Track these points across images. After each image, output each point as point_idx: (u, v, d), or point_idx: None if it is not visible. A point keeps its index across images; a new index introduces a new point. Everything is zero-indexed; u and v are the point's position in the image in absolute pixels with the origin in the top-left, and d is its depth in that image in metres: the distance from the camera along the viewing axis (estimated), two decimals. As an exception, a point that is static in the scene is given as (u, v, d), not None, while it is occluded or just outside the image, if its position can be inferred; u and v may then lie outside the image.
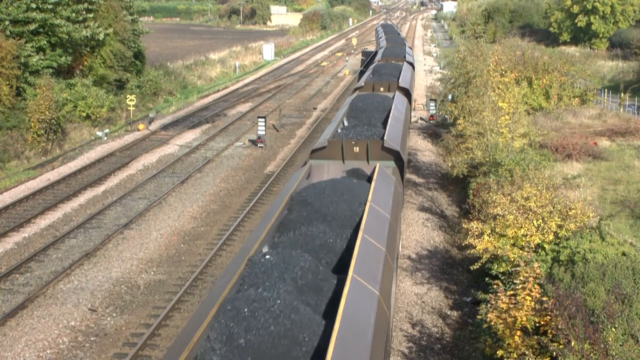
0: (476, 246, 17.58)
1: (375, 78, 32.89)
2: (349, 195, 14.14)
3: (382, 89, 29.49)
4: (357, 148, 18.38)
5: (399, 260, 18.96)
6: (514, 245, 17.11)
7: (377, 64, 38.41)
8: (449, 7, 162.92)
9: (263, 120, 36.87)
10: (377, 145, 18.41)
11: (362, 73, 43.77)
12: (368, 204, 13.63)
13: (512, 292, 13.26)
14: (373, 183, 15.07)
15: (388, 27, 77.74)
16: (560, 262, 14.90)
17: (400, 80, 30.20)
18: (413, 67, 40.53)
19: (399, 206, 17.25)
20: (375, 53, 52.29)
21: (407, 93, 28.51)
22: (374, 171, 16.45)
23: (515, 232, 17.16)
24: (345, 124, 23.06)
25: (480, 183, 23.23)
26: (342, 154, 18.39)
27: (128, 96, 41.69)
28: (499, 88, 27.72)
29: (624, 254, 14.74)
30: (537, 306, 12.68)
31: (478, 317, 13.92)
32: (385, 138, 18.48)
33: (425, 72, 63.66)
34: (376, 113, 23.69)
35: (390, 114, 22.08)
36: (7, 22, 34.99)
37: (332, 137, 19.51)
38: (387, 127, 20.00)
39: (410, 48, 53.10)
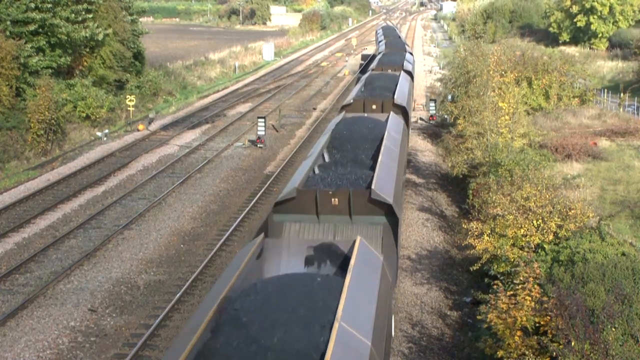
0: (476, 246, 17.59)
1: (367, 93, 29.19)
2: (306, 309, 9.52)
3: (374, 106, 25.84)
4: (336, 200, 14.07)
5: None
6: (513, 245, 17.11)
7: (371, 75, 34.75)
8: (449, 8, 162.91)
9: (263, 120, 36.86)
10: (363, 197, 14.20)
11: (358, 80, 40.22)
12: (336, 324, 9.04)
13: (512, 292, 13.26)
14: (348, 277, 10.43)
15: (389, 30, 74.31)
16: (560, 262, 14.90)
17: (396, 96, 26.56)
18: (412, 77, 37.06)
19: (389, 306, 12.55)
20: (373, 57, 49.61)
21: (403, 112, 25.25)
22: (352, 251, 11.66)
23: (515, 232, 17.17)
24: (326, 158, 19.12)
25: (480, 183, 23.24)
26: (316, 207, 14.18)
27: (128, 96, 41.68)
28: (499, 88, 27.71)
29: (623, 254, 14.74)
30: (537, 306, 12.68)
31: (478, 317, 13.91)
32: (373, 187, 14.23)
33: (425, 72, 63.64)
34: (365, 143, 19.74)
35: (382, 146, 18.33)
36: (7, 23, 34.97)
37: (303, 182, 15.40)
38: (377, 167, 15.97)
39: (411, 54, 49.13)
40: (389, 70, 36.98)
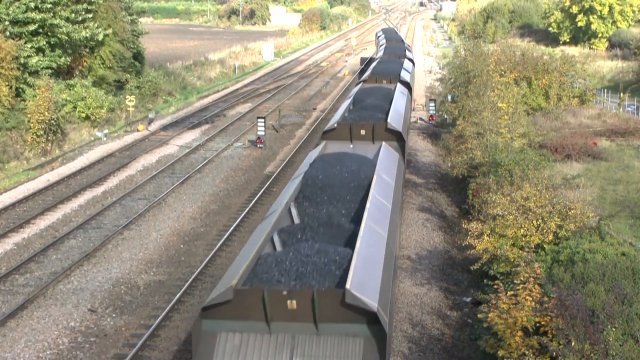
0: (476, 246, 17.59)
1: (355, 113, 24.08)
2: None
3: (362, 132, 20.75)
4: (294, 303, 9.97)
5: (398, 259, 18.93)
6: (513, 245, 17.11)
7: (362, 89, 29.58)
8: (449, 8, 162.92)
9: (262, 120, 36.86)
10: (334, 299, 10.01)
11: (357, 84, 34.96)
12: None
13: (512, 292, 13.26)
14: None
15: (389, 33, 69.25)
16: (560, 262, 14.90)
17: (390, 119, 21.45)
18: (410, 90, 32.17)
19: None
20: (370, 60, 47.29)
21: (399, 138, 20.76)
22: None
23: (514, 232, 17.17)
24: (294, 215, 14.75)
25: (480, 183, 23.23)
26: (265, 313, 10.08)
27: (127, 97, 41.68)
28: (498, 88, 27.71)
29: (623, 254, 14.73)
30: (537, 306, 12.68)
31: (479, 315, 13.90)
32: (348, 286, 9.96)
33: (425, 72, 63.64)
34: (346, 193, 15.30)
35: (369, 204, 13.69)
36: (6, 23, 34.97)
37: (246, 272, 11.16)
38: (358, 245, 11.46)
39: (411, 60, 44.34)
40: (384, 82, 32.37)
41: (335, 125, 21.24)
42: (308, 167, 16.65)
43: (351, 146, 20.41)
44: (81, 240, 23.00)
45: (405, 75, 33.65)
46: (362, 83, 32.84)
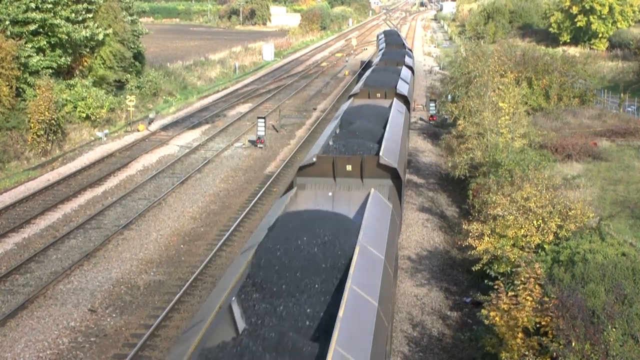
0: (476, 247, 17.58)
1: (340, 141, 19.86)
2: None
3: (349, 167, 17.05)
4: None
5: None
6: (514, 245, 17.10)
7: (351, 107, 24.86)
8: (449, 8, 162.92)
9: (263, 120, 36.86)
10: None
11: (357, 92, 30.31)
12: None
13: (513, 292, 13.25)
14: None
15: (390, 37, 64.64)
16: (560, 263, 14.90)
17: (382, 152, 17.34)
18: (408, 107, 27.87)
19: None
20: (367, 65, 44.83)
21: (394, 176, 17.03)
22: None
23: (515, 232, 17.16)
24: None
25: (480, 183, 23.24)
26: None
27: (128, 97, 41.68)
28: (499, 89, 27.71)
29: (623, 254, 14.73)
30: (538, 307, 12.67)
31: (479, 314, 13.90)
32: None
33: (425, 72, 63.63)
34: (311, 278, 11.00)
35: (343, 305, 9.41)
36: (7, 23, 34.97)
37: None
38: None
39: (411, 68, 40.07)
40: (378, 95, 28.38)
41: (314, 159, 17.22)
42: (264, 237, 12.09)
43: (330, 194, 16.13)
44: (81, 240, 23.00)
45: (402, 87, 29.26)
46: (352, 98, 28.06)
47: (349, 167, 17.10)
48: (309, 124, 43.45)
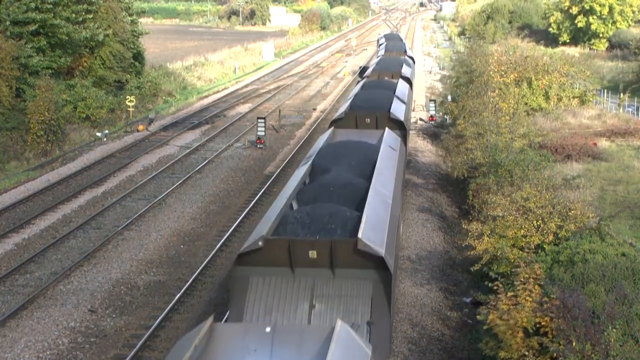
0: (476, 247, 17.58)
1: (305, 205, 14.59)
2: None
3: (312, 254, 12.09)
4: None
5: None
6: (513, 246, 17.10)
7: (329, 145, 19.34)
8: (448, 8, 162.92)
9: (263, 121, 36.87)
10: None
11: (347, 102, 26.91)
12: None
13: (512, 293, 13.25)
14: None
15: (391, 42, 59.05)
16: (560, 263, 14.89)
17: (364, 227, 12.34)
18: (404, 136, 23.00)
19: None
20: (363, 70, 40.17)
21: (379, 266, 12.02)
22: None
23: (515, 232, 17.17)
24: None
25: (480, 184, 23.24)
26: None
27: (127, 97, 41.69)
28: (499, 89, 27.71)
29: (623, 254, 14.73)
30: (537, 307, 12.67)
31: (478, 316, 13.90)
32: None
33: (425, 72, 63.64)
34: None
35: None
36: (7, 23, 34.98)
37: None
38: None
39: (409, 80, 34.85)
40: (367, 121, 23.54)
41: (260, 243, 12.24)
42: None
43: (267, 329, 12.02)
44: (81, 241, 22.99)
45: (397, 110, 24.43)
46: (332, 127, 22.74)
47: (312, 254, 11.94)
48: (309, 124, 43.46)
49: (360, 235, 11.87)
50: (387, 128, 21.55)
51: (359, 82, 35.80)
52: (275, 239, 12.13)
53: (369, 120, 23.59)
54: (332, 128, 22.62)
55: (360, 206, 13.81)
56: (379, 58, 46.34)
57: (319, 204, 14.02)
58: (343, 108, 25.75)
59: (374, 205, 13.89)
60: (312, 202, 14.67)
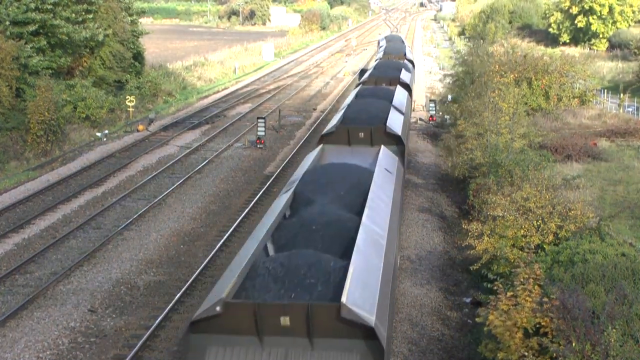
0: (476, 247, 17.59)
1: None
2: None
3: (285, 321, 9.76)
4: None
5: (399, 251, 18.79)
6: (513, 246, 17.11)
7: (315, 169, 16.86)
8: (449, 8, 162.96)
9: (263, 121, 36.87)
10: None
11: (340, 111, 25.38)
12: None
13: (512, 293, 13.25)
14: None
15: (391, 44, 56.26)
16: (560, 263, 14.89)
17: (348, 293, 9.85)
18: (402, 153, 20.83)
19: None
20: (362, 72, 38.16)
21: (367, 335, 9.76)
22: None
23: (515, 232, 17.17)
24: None
25: (480, 184, 23.24)
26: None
27: (127, 97, 41.70)
28: (499, 89, 27.71)
29: (623, 254, 14.73)
30: (537, 307, 12.67)
31: (477, 319, 13.89)
32: None
33: (424, 72, 63.64)
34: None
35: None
36: (7, 23, 34.98)
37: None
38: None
39: (408, 87, 32.57)
40: (360, 135, 21.20)
41: (218, 309, 9.89)
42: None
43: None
44: (81, 241, 22.99)
45: (394, 123, 22.10)
46: (322, 144, 20.69)
47: (285, 320, 9.91)
48: (309, 124, 43.45)
49: (344, 299, 9.54)
50: (382, 146, 19.43)
51: (358, 85, 34.02)
52: (238, 303, 9.88)
53: (362, 134, 21.28)
54: (321, 145, 20.44)
55: (347, 250, 11.41)
56: (376, 62, 43.95)
57: (296, 250, 11.26)
58: (335, 120, 23.39)
59: (365, 250, 11.46)
60: (291, 244, 12.11)
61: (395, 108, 24.85)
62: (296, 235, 12.40)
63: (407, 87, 32.42)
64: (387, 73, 36.31)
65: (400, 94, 28.62)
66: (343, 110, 24.94)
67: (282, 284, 10.29)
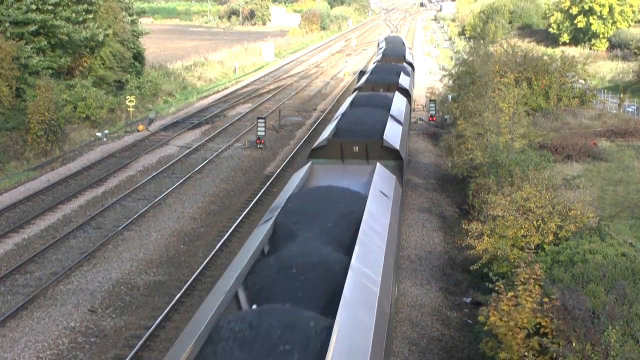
0: (476, 247, 17.59)
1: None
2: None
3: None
4: None
5: (399, 253, 18.82)
6: (513, 246, 17.11)
7: (298, 195, 14.36)
8: (449, 8, 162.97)
9: (263, 121, 36.88)
10: None
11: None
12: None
13: (512, 293, 13.25)
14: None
15: (390, 47, 54.11)
16: (560, 263, 14.89)
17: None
18: (400, 174, 19.12)
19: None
20: (361, 75, 36.74)
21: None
22: None
23: (515, 232, 17.17)
24: None
25: (480, 184, 23.23)
26: None
27: (127, 97, 41.70)
28: (499, 89, 27.70)
29: (623, 254, 14.73)
30: (538, 307, 12.67)
31: (480, 317, 13.89)
32: None
33: (424, 72, 63.64)
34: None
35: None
36: (7, 24, 34.99)
37: None
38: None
39: (408, 93, 31.07)
40: (354, 149, 19.86)
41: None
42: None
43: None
44: (81, 241, 23.00)
45: (391, 137, 20.27)
46: (310, 162, 17.91)
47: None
48: (309, 124, 43.46)
49: None
50: (378, 164, 17.13)
51: (354, 91, 31.97)
52: None
53: (357, 148, 19.71)
54: (309, 163, 17.81)
55: (333, 301, 9.58)
56: (374, 65, 41.42)
57: (269, 306, 9.23)
58: (327, 132, 21.48)
59: (353, 303, 9.57)
60: (266, 292, 10.27)
61: (394, 118, 23.27)
62: (273, 281, 10.41)
63: (406, 93, 30.86)
64: (385, 78, 34.57)
65: (398, 102, 26.92)
66: (336, 121, 22.87)
67: (250, 351, 8.27)
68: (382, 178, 16.17)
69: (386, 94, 28.81)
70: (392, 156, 19.40)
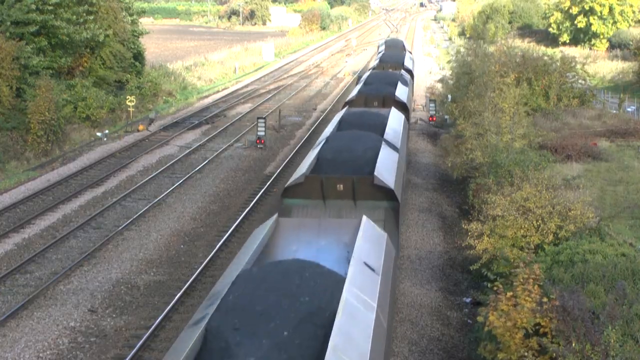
0: (476, 247, 17.60)
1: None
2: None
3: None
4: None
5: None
6: (513, 246, 17.11)
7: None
8: (449, 8, 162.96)
9: (263, 121, 36.89)
10: None
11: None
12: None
13: (512, 293, 13.26)
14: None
15: (389, 51, 52.10)
16: (560, 263, 14.89)
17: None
18: (396, 205, 16.21)
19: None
20: (359, 78, 34.22)
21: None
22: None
23: (514, 232, 17.17)
24: None
25: (480, 184, 23.24)
26: None
27: (128, 97, 41.70)
28: (499, 89, 27.70)
29: (623, 254, 14.73)
30: (537, 307, 12.67)
31: (479, 318, 13.90)
32: None
33: (425, 72, 63.62)
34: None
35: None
36: (7, 24, 35.00)
37: None
38: None
39: (405, 107, 28.54)
40: (339, 187, 16.44)
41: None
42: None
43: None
44: (81, 241, 23.00)
45: (386, 171, 17.14)
46: (275, 219, 13.50)
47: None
48: (309, 124, 43.47)
49: None
50: (364, 217, 13.32)
51: (345, 105, 29.11)
52: None
53: (341, 186, 16.09)
54: (276, 216, 13.66)
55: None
56: (369, 73, 38.61)
57: None
58: (305, 164, 17.93)
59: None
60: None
61: (388, 143, 19.63)
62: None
63: (404, 107, 27.81)
64: (380, 89, 31.20)
65: (394, 121, 23.50)
66: (318, 149, 19.01)
67: None
68: (368, 241, 12.24)
69: (380, 112, 25.32)
70: (385, 197, 16.03)
